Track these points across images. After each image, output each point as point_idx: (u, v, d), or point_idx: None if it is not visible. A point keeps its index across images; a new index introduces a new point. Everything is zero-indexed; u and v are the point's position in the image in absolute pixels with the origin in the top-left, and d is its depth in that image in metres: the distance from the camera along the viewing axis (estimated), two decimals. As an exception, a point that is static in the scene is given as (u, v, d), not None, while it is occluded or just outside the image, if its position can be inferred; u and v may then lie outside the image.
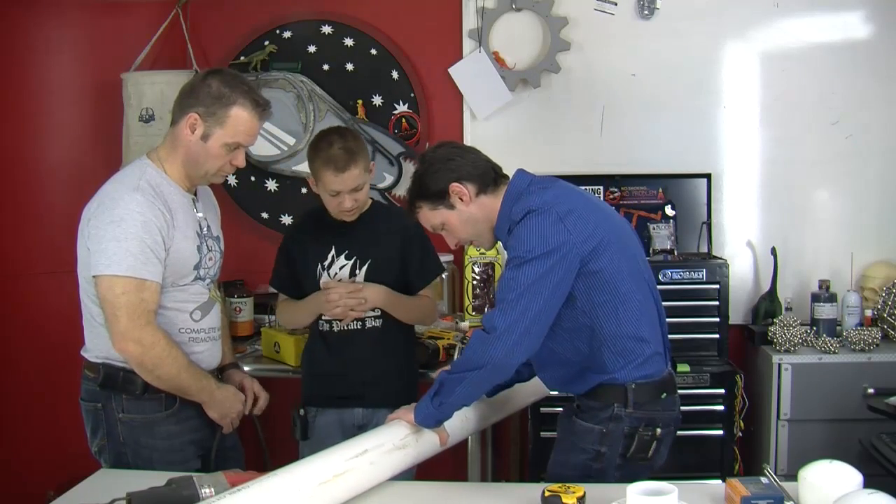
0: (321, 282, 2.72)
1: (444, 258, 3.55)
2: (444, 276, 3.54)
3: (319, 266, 2.72)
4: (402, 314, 2.76)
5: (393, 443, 1.99)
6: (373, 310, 2.70)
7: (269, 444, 2.57)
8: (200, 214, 2.29)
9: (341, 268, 2.72)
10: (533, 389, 2.48)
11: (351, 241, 2.72)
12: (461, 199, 2.15)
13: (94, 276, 2.11)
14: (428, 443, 2.08)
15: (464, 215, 2.17)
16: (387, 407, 2.63)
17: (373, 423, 2.65)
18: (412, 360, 2.86)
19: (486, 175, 2.17)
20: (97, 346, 2.21)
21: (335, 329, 2.73)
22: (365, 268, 2.72)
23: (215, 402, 2.27)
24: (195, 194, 2.30)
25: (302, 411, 2.72)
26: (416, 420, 2.04)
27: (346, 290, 2.65)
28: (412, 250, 2.76)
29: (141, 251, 2.08)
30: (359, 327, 2.71)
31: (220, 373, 2.51)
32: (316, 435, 2.72)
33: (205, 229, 2.29)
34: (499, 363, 1.97)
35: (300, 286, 2.77)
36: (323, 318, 2.73)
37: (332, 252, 2.72)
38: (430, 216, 2.20)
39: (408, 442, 2.02)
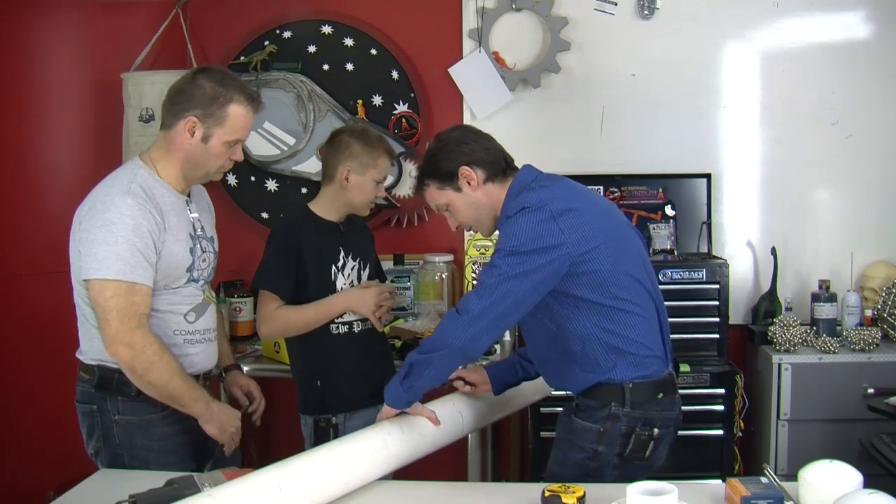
0: (341, 284, 2.69)
1: (444, 258, 3.57)
2: (444, 275, 3.55)
3: (334, 267, 2.70)
4: None
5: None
6: None
7: (268, 446, 2.56)
8: (195, 215, 2.28)
9: (352, 269, 2.74)
10: (535, 388, 2.48)
11: (351, 243, 2.75)
12: (469, 184, 2.16)
13: (84, 280, 2.09)
14: (416, 425, 2.07)
15: (469, 199, 2.18)
16: None
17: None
18: None
19: (497, 163, 2.19)
20: (92, 348, 2.19)
21: (355, 330, 2.71)
22: (368, 267, 2.79)
23: (212, 414, 2.21)
24: (188, 195, 2.29)
25: (334, 419, 2.65)
26: (387, 402, 2.06)
27: (390, 291, 2.72)
28: (373, 247, 2.92)
29: (131, 255, 2.06)
30: (369, 325, 2.73)
31: (223, 373, 2.51)
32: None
33: (198, 230, 2.28)
34: (464, 346, 1.97)
35: (303, 290, 2.70)
36: (341, 319, 2.69)
37: (342, 253, 2.72)
38: (436, 195, 2.22)
39: (380, 420, 2.06)
